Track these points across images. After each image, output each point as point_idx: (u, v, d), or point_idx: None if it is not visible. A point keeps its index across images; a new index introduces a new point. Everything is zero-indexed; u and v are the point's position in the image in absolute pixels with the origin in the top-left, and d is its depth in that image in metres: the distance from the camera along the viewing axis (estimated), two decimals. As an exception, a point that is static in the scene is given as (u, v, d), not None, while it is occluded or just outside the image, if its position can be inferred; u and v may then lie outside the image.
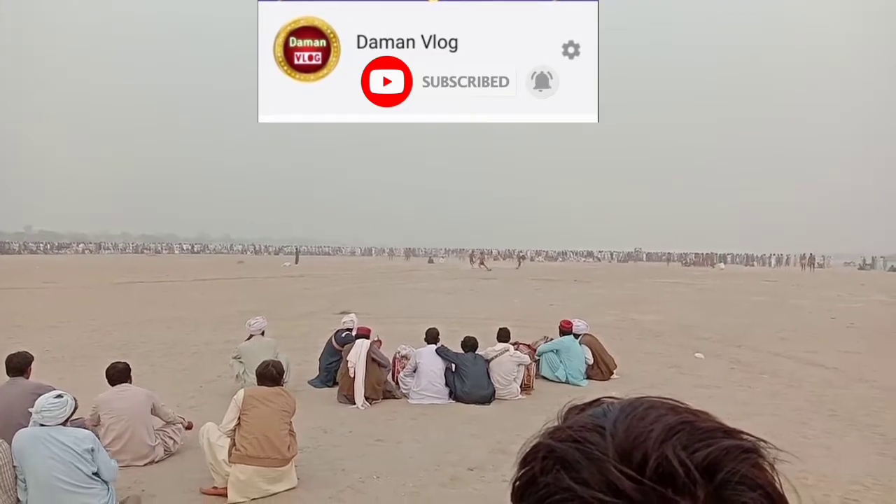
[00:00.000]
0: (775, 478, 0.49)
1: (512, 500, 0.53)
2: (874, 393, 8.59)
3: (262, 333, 8.31)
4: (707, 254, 79.10)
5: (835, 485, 5.28)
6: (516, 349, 8.58)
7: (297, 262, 55.13)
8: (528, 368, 8.47)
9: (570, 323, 9.64)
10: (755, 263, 76.62)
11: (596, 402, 0.57)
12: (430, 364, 7.99)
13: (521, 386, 8.30)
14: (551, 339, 9.77)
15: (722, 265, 68.58)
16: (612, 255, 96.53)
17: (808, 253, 65.30)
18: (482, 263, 46.88)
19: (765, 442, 0.51)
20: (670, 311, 18.83)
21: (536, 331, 11.55)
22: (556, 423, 0.55)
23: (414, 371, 8.06)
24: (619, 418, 0.50)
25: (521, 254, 64.73)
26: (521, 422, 6.97)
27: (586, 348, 9.39)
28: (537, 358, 9.17)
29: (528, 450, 0.53)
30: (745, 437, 0.50)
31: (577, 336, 9.47)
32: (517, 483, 0.52)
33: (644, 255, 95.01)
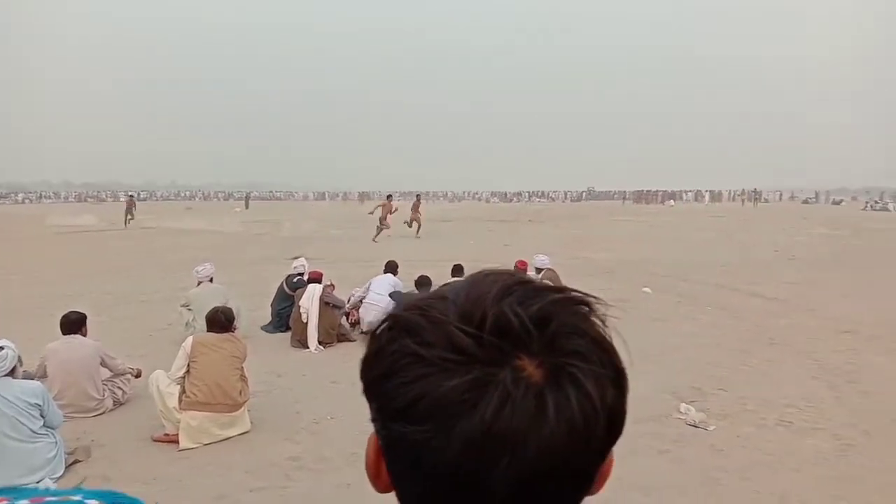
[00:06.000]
0: (605, 330, 0.51)
1: (361, 377, 0.53)
2: (812, 322, 8.96)
3: (211, 280, 8.18)
4: (656, 191, 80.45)
5: (772, 408, 5.54)
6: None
7: (247, 208, 54.18)
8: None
9: (524, 263, 9.69)
10: (706, 199, 78.25)
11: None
12: (381, 293, 8.08)
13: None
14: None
15: (672, 202, 69.91)
16: (565, 194, 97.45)
17: (754, 188, 66.99)
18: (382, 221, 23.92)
19: (595, 298, 0.53)
20: (622, 249, 19.16)
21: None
22: None
23: (361, 301, 8.23)
24: (462, 286, 0.52)
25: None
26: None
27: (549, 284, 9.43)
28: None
29: (376, 328, 0.54)
30: (577, 293, 0.52)
31: (538, 271, 9.55)
32: (366, 358, 0.52)
33: (597, 194, 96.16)
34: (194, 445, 4.84)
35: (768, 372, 6.66)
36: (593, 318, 0.51)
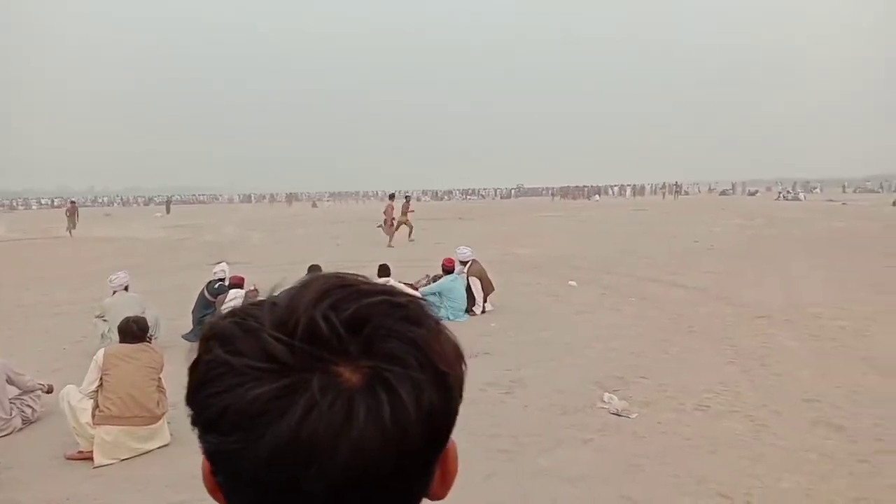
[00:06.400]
0: (431, 330, 0.50)
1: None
2: (728, 309, 9.33)
3: (126, 288, 7.86)
4: (582, 186, 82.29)
5: (691, 394, 5.74)
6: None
7: (168, 213, 52.50)
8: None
9: (452, 261, 9.73)
10: (627, 193, 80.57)
11: None
12: None
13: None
14: (434, 277, 9.87)
15: (597, 197, 71.63)
16: (495, 191, 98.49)
17: (675, 181, 69.48)
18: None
19: (422, 299, 0.53)
20: (549, 244, 19.46)
21: (422, 269, 11.59)
22: None
23: None
24: (288, 292, 0.51)
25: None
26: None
27: (475, 280, 9.46)
28: (419, 297, 9.23)
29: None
30: (403, 296, 0.51)
31: (463, 263, 9.60)
32: (189, 368, 0.51)
33: (526, 191, 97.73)
34: (110, 461, 4.65)
35: (687, 359, 6.90)
36: (415, 320, 0.50)
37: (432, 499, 0.54)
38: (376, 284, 0.52)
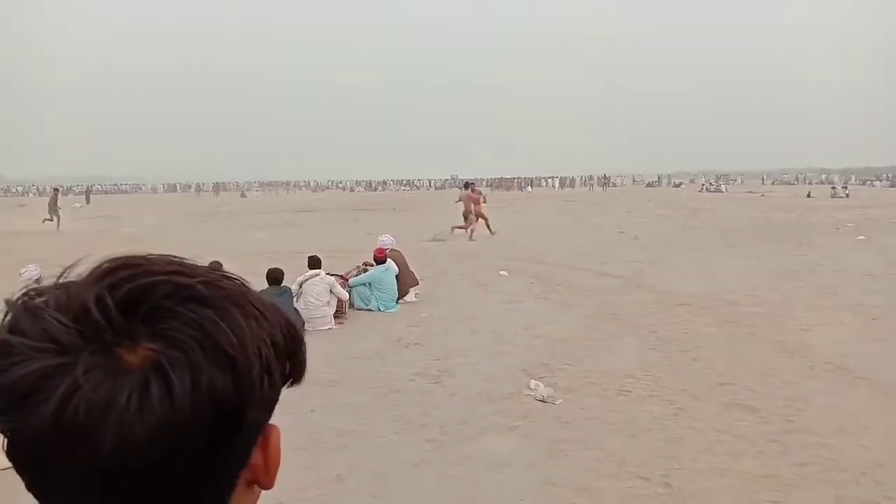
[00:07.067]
0: (231, 313, 0.48)
1: None
2: (651, 297, 9.61)
3: (38, 282, 7.44)
4: (516, 178, 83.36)
5: (613, 379, 5.88)
6: (328, 278, 8.47)
7: (88, 203, 50.33)
8: (340, 298, 8.48)
9: (383, 252, 9.69)
10: (563, 186, 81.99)
11: None
12: None
13: (334, 315, 8.29)
14: (365, 267, 9.81)
15: (530, 189, 72.67)
16: (430, 182, 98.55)
17: (604, 173, 71.18)
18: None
19: (231, 279, 0.51)
20: (482, 234, 19.58)
21: (353, 260, 11.47)
22: None
23: None
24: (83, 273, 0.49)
25: None
26: (331, 351, 6.94)
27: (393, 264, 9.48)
28: (349, 288, 9.14)
29: None
30: (196, 276, 0.48)
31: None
32: None
33: (460, 182, 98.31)
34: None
35: (611, 345, 7.08)
36: (202, 300, 0.47)
37: (261, 487, 0.53)
38: (172, 264, 0.50)
